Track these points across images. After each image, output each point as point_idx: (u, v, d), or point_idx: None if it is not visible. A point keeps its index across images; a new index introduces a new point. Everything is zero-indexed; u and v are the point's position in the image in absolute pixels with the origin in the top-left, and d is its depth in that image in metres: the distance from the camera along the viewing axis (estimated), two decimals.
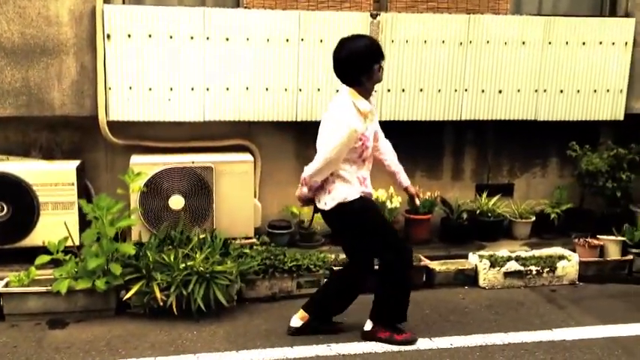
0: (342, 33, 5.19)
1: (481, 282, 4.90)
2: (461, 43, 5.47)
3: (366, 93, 3.72)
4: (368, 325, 3.96)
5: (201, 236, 4.61)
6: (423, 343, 3.91)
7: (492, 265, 4.89)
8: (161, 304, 4.15)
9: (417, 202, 4.17)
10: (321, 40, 5.27)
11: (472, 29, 5.46)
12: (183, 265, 4.23)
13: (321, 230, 5.55)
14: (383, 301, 3.88)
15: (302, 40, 5.25)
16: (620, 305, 4.59)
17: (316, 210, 3.88)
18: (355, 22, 5.28)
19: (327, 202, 3.75)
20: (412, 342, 3.90)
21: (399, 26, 5.35)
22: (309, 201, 3.89)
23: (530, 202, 6.01)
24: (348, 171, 3.70)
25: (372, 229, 3.77)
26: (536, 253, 5.19)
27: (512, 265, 4.89)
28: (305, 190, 3.77)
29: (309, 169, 3.70)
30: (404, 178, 4.10)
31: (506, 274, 4.89)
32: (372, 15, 5.30)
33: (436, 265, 4.95)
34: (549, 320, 4.25)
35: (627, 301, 4.66)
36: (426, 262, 4.93)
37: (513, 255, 5.06)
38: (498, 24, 5.49)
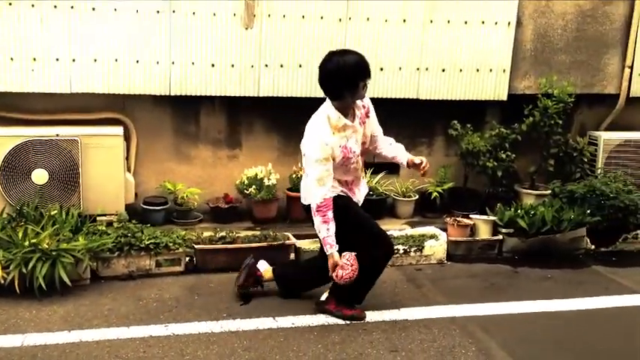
0: (215, 5, 5.11)
1: None
2: (340, 20, 5.39)
3: (345, 108, 3.72)
4: (324, 296, 4.03)
5: (53, 212, 4.47)
6: (263, 322, 3.88)
7: None
8: (2, 281, 4.02)
9: (422, 164, 3.99)
10: (194, 13, 5.12)
11: (351, 5, 5.38)
12: (27, 242, 4.10)
13: (198, 207, 5.49)
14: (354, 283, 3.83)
15: (174, 11, 5.09)
16: (479, 285, 4.63)
17: (304, 206, 3.90)
18: None
19: (306, 197, 3.80)
20: (360, 318, 3.94)
21: (275, 0, 5.23)
22: None
23: (415, 181, 6.01)
24: (333, 177, 3.72)
25: (354, 224, 3.81)
26: (409, 232, 5.21)
27: None
28: (320, 218, 3.67)
29: (314, 198, 3.66)
30: (402, 157, 4.06)
31: None
32: None
33: (305, 244, 4.91)
34: (401, 299, 4.27)
35: (486, 280, 4.71)
36: (292, 240, 4.89)
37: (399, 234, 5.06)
38: (379, 1, 5.42)
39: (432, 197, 5.78)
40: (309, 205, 3.77)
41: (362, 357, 3.52)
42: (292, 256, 4.90)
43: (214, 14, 5.16)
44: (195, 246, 4.63)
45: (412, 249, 4.97)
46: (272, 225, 5.38)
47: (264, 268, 4.25)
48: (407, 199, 5.83)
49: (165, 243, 4.54)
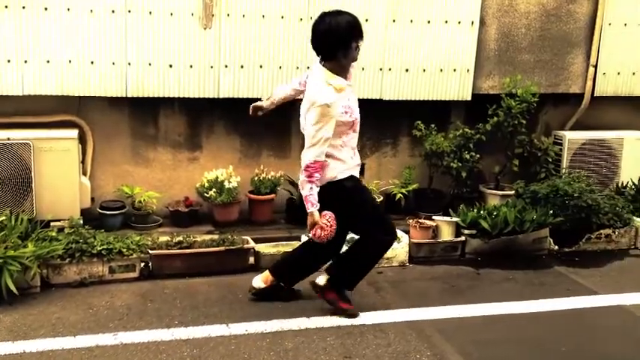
0: (175, 5, 5.01)
1: None
2: (301, 19, 5.31)
3: (340, 69, 3.71)
4: (322, 279, 3.99)
5: (1, 218, 4.34)
6: (216, 329, 3.78)
7: None
8: None
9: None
10: (150, 12, 5.01)
11: (312, 5, 5.30)
12: None
13: (158, 211, 5.38)
14: (346, 264, 3.98)
15: (129, 11, 4.98)
16: (439, 287, 4.57)
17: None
18: None
19: None
20: (352, 315, 3.95)
21: (234, 0, 5.14)
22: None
23: (380, 182, 5.94)
24: (339, 146, 3.72)
25: (360, 208, 3.84)
26: None
27: None
28: (306, 178, 3.66)
29: (306, 156, 3.64)
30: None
31: None
32: None
33: (263, 248, 4.82)
34: (359, 303, 4.17)
35: (448, 283, 4.65)
36: (251, 244, 4.79)
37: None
38: (339, 0, 5.34)
39: (397, 199, 5.71)
40: None
41: None
42: (252, 260, 4.81)
43: (171, 14, 5.05)
44: (151, 251, 4.52)
45: None
46: (234, 228, 5.27)
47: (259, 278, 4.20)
48: None
49: (119, 249, 4.42)
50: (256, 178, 5.51)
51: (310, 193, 3.67)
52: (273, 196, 5.53)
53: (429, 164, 5.87)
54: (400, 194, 5.72)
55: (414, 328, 3.88)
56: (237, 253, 4.67)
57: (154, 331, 3.74)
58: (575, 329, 3.96)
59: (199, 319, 3.92)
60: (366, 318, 4.00)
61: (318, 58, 3.79)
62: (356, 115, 3.77)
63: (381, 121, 5.89)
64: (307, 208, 3.71)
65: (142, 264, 4.55)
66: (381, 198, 5.80)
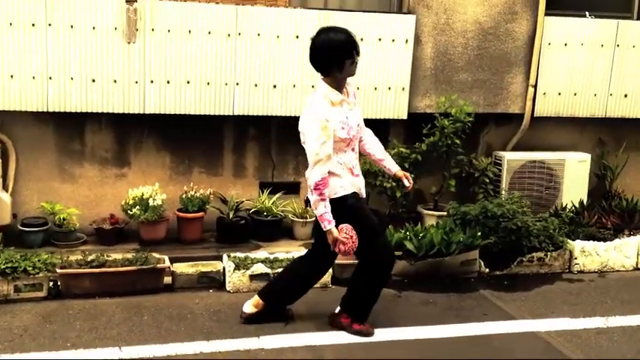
0: (94, 19, 4.94)
1: (227, 285, 4.70)
2: (229, 35, 5.24)
3: (337, 84, 3.77)
4: (337, 309, 4.11)
5: None
6: (108, 353, 3.67)
7: (237, 268, 4.70)
8: None
9: (407, 184, 4.12)
10: (72, 26, 4.94)
11: (241, 21, 5.23)
12: None
13: (80, 228, 5.27)
14: (354, 292, 4.02)
15: (50, 25, 4.91)
16: None
17: (307, 204, 3.86)
18: (110, 9, 4.98)
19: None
20: (368, 334, 3.97)
21: (159, 14, 5.08)
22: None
23: None
24: (337, 162, 3.75)
25: (360, 227, 3.77)
26: (297, 254, 5.01)
27: (259, 268, 4.71)
28: (317, 197, 3.65)
29: (311, 177, 3.66)
30: (391, 165, 4.18)
31: (252, 277, 4.70)
32: (127, 1, 4.99)
33: (179, 268, 4.71)
34: (264, 327, 4.06)
35: None
36: (167, 263, 4.68)
37: (266, 257, 4.88)
38: (270, 16, 5.29)
39: None
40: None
41: None
42: (168, 280, 4.69)
43: (94, 28, 4.98)
44: (59, 270, 4.41)
45: None
46: (160, 247, 5.19)
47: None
48: (304, 220, 5.65)
49: (24, 267, 4.31)
50: (184, 196, 5.41)
51: (325, 211, 3.66)
52: (202, 214, 5.43)
53: (365, 184, 5.76)
54: None
55: (317, 353, 3.77)
56: (150, 272, 4.55)
57: (42, 354, 3.62)
58: (479, 355, 3.85)
59: (94, 341, 3.81)
60: (268, 342, 3.89)
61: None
62: (354, 132, 3.80)
63: None
64: (324, 227, 3.69)
65: (51, 283, 4.43)
66: (315, 218, 5.69)
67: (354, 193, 3.84)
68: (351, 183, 3.82)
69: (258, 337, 3.92)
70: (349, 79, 3.86)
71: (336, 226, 3.70)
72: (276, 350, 3.80)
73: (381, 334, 4.06)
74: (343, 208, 3.75)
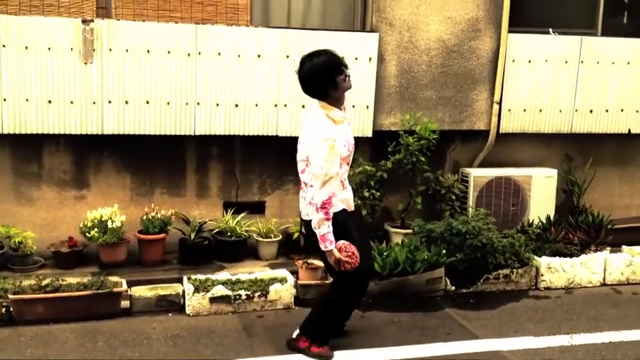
0: (53, 39, 4.88)
1: (187, 308, 4.59)
2: (189, 54, 5.18)
3: (335, 102, 3.80)
4: (294, 333, 4.03)
5: None
6: None
7: (197, 290, 4.60)
8: None
9: None
10: (27, 47, 4.86)
11: (201, 40, 5.18)
12: None
13: (38, 251, 5.15)
14: (320, 313, 3.98)
15: (4, 46, 4.83)
16: None
17: (303, 222, 3.92)
18: (66, 29, 4.91)
19: (309, 212, 3.75)
20: (327, 358, 3.90)
21: (117, 34, 5.01)
22: None
23: (283, 220, 5.77)
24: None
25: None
26: (259, 275, 4.94)
27: (219, 290, 4.61)
28: (323, 215, 3.63)
29: (318, 196, 3.62)
30: None
31: (213, 300, 4.60)
32: (83, 21, 4.93)
33: (137, 291, 4.60)
34: (224, 351, 3.98)
35: None
36: (124, 287, 4.57)
37: (228, 278, 4.79)
38: (230, 36, 5.24)
39: (294, 238, 5.54)
40: (311, 220, 3.71)
41: None
42: (126, 304, 4.57)
43: (49, 48, 4.90)
44: (10, 296, 4.28)
45: (256, 294, 4.69)
46: (120, 270, 5.08)
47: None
48: (269, 239, 5.57)
49: None
50: (145, 217, 5.31)
51: (329, 231, 3.64)
52: (163, 235, 5.32)
53: None
54: (298, 233, 5.54)
55: None
56: (106, 297, 4.44)
57: None
58: None
59: None
60: None
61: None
62: (352, 148, 3.84)
63: (282, 157, 5.73)
64: (325, 247, 3.66)
65: (4, 309, 4.30)
66: (280, 237, 5.63)
67: (344, 209, 3.82)
68: (340, 199, 3.80)
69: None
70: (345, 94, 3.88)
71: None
72: None
73: (342, 357, 3.97)
74: (333, 224, 3.70)
